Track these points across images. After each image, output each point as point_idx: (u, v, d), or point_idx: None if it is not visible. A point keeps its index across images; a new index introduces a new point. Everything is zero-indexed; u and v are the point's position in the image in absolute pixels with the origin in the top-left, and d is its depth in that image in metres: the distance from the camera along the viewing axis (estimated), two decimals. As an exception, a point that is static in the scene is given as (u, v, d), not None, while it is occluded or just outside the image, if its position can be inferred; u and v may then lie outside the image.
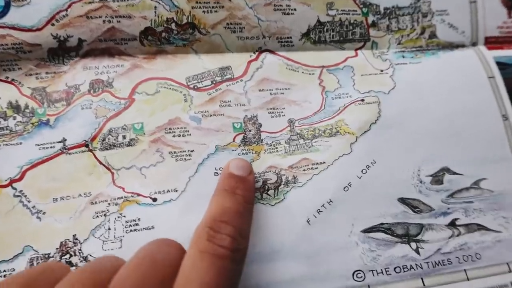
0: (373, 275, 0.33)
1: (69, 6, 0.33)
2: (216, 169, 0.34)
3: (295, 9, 0.38)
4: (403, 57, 0.41)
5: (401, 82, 0.39)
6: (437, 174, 0.37)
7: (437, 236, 0.35)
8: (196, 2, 0.36)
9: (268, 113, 0.36)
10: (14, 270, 0.29)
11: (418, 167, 0.36)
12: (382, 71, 0.39)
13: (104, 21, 0.34)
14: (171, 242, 0.26)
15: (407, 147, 0.37)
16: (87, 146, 0.33)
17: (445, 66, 0.40)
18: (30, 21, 0.33)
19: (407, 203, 0.35)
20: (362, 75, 0.39)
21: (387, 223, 0.35)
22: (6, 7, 0.32)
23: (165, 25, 0.35)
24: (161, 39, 0.36)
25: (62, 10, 0.33)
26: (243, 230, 0.28)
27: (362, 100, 0.38)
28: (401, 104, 0.38)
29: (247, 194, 0.30)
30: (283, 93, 0.37)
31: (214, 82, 0.36)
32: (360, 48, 0.40)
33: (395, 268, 0.33)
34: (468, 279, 0.34)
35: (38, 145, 0.32)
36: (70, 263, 0.30)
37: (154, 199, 0.32)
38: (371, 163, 0.36)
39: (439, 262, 0.34)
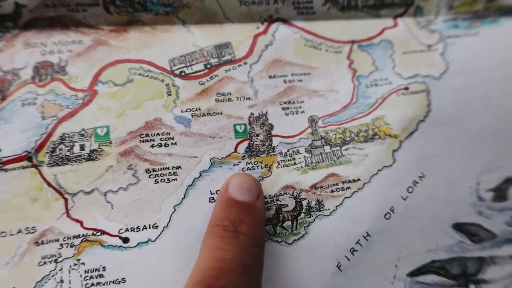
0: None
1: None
2: (212, 193, 0.29)
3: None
4: (456, 27, 0.36)
5: (455, 63, 0.34)
6: (500, 188, 0.33)
7: (501, 272, 0.32)
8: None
9: (282, 109, 0.32)
10: None
11: (477, 179, 0.32)
12: (430, 46, 0.35)
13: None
14: None
15: (464, 153, 0.33)
16: (29, 159, 0.28)
17: (509, 38, 0.35)
18: None
19: (464, 230, 0.32)
20: (404, 52, 0.34)
21: (439, 260, 0.31)
22: None
23: (139, -17, 0.31)
24: (134, 3, 0.31)
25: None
26: None
27: (406, 88, 0.33)
28: (456, 93, 0.33)
29: (256, 233, 0.25)
30: (301, 81, 0.33)
31: (208, 66, 0.32)
32: (400, 15, 0.35)
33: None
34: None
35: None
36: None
37: (125, 240, 0.28)
38: (419, 177, 0.31)
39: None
